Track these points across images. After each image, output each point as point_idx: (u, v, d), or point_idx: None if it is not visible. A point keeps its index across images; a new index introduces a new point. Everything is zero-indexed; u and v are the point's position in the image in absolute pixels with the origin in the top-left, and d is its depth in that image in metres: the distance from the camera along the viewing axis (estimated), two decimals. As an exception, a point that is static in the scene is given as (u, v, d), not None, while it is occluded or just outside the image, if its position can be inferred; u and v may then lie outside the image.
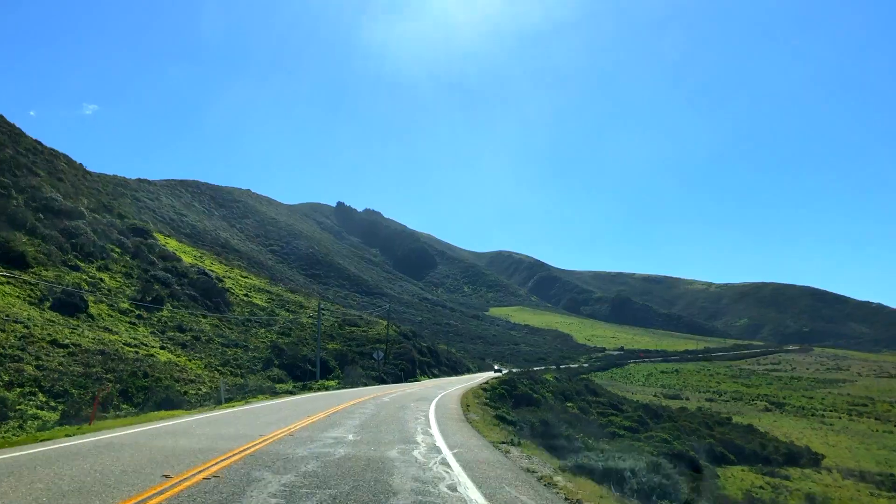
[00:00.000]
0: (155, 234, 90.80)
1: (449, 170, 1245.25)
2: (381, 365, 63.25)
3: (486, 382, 57.48)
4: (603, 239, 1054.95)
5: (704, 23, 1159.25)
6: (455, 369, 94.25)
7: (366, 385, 54.16)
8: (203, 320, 58.81)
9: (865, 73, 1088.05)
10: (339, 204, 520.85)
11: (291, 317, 78.78)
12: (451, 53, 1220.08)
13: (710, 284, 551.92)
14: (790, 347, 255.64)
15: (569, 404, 53.59)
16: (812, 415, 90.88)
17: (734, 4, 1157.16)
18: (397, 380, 63.68)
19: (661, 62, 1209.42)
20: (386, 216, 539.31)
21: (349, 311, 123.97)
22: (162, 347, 47.39)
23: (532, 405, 41.57)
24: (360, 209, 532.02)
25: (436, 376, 76.70)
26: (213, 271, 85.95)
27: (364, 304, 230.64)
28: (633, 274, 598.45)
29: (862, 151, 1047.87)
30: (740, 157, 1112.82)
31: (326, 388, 47.76)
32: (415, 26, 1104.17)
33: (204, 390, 36.91)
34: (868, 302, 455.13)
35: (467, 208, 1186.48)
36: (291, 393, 40.75)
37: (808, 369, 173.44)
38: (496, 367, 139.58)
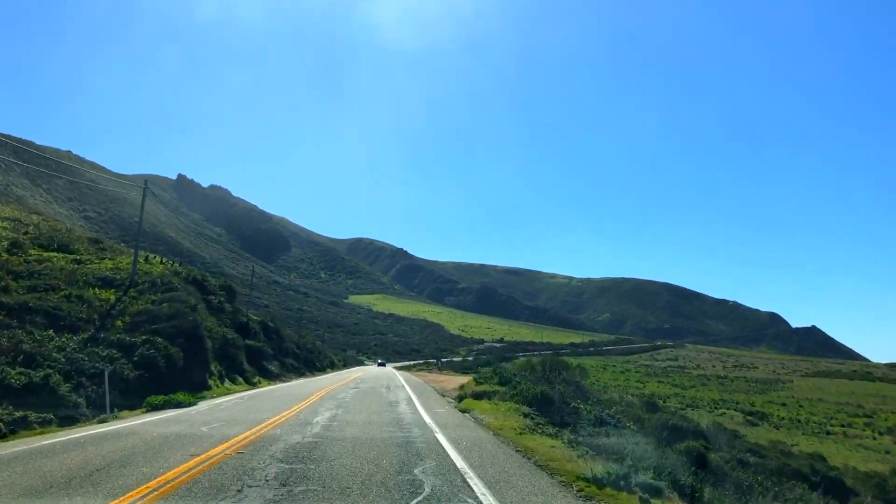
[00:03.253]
0: None
1: (307, 151, 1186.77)
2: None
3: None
4: (464, 230, 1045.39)
5: (576, 16, 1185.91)
6: (310, 364, 59.93)
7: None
8: None
9: (721, 76, 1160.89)
10: (180, 177, 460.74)
11: None
12: (308, 18, 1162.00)
13: (571, 279, 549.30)
14: (668, 343, 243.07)
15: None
16: (826, 432, 65.99)
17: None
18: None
19: (530, 54, 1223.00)
20: (235, 194, 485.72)
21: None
22: None
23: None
24: (205, 185, 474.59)
25: (272, 377, 42.06)
26: None
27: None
28: (496, 266, 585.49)
29: (718, 152, 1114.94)
30: (598, 154, 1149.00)
31: None
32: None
33: None
34: (724, 300, 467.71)
35: (326, 192, 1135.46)
36: None
37: (713, 366, 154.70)
38: (379, 362, 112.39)
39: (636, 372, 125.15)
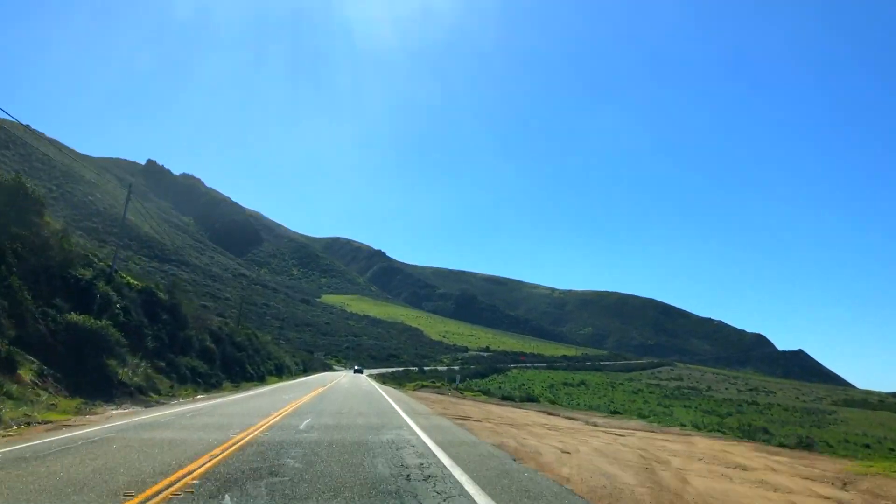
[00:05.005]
0: None
1: (287, 147, 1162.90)
2: None
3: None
4: (444, 236, 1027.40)
5: (560, 22, 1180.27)
6: (236, 370, 38.39)
7: None
8: None
9: (713, 88, 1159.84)
10: (150, 162, 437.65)
11: None
12: (291, 13, 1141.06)
13: (553, 290, 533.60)
14: (665, 361, 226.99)
15: None
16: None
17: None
18: None
19: (516, 57, 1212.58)
20: (208, 184, 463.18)
21: None
22: None
23: None
24: (176, 172, 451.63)
25: (115, 395, 22.00)
26: None
27: (151, 269, 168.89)
28: (476, 273, 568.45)
29: (708, 169, 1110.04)
30: (583, 166, 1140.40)
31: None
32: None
33: None
34: (710, 319, 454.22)
35: (305, 190, 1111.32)
36: None
37: (726, 389, 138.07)
38: (356, 368, 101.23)
39: (650, 392, 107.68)
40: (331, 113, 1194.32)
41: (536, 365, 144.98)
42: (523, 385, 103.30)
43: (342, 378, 67.09)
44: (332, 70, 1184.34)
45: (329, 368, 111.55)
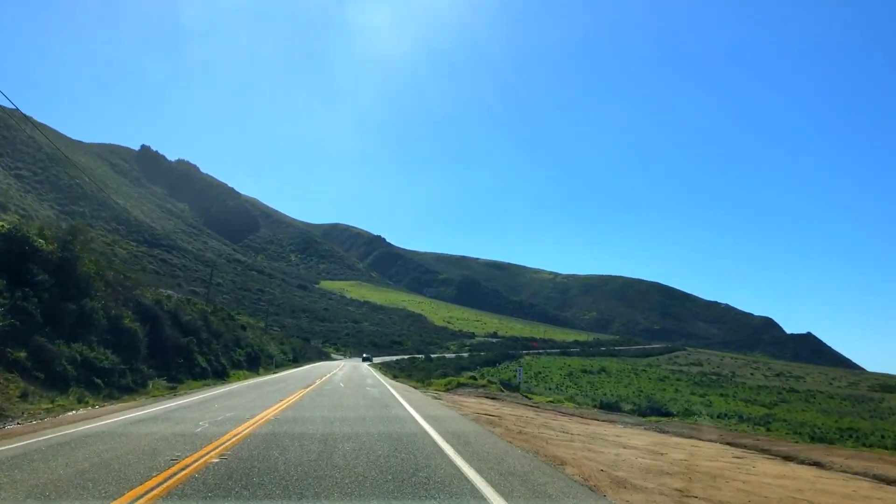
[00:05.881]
0: None
1: (286, 134, 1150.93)
2: None
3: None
4: (444, 222, 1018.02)
5: (568, 9, 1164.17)
6: (177, 363, 27.22)
7: None
8: None
9: (720, 69, 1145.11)
10: (144, 148, 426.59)
11: None
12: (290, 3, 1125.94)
13: (555, 274, 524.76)
14: (671, 345, 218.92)
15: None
16: None
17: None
18: None
19: (519, 46, 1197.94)
20: (204, 171, 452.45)
21: None
22: None
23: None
24: (171, 158, 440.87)
25: None
26: None
27: (139, 254, 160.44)
28: (477, 259, 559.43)
29: (713, 149, 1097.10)
30: (585, 148, 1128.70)
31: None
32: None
33: None
34: (716, 302, 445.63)
35: (303, 176, 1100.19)
36: None
37: (752, 374, 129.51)
38: (365, 356, 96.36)
39: (676, 380, 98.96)
40: (329, 99, 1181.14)
41: (549, 351, 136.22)
42: (539, 373, 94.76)
43: (339, 370, 55.58)
44: (331, 54, 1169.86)
45: (326, 357, 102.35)
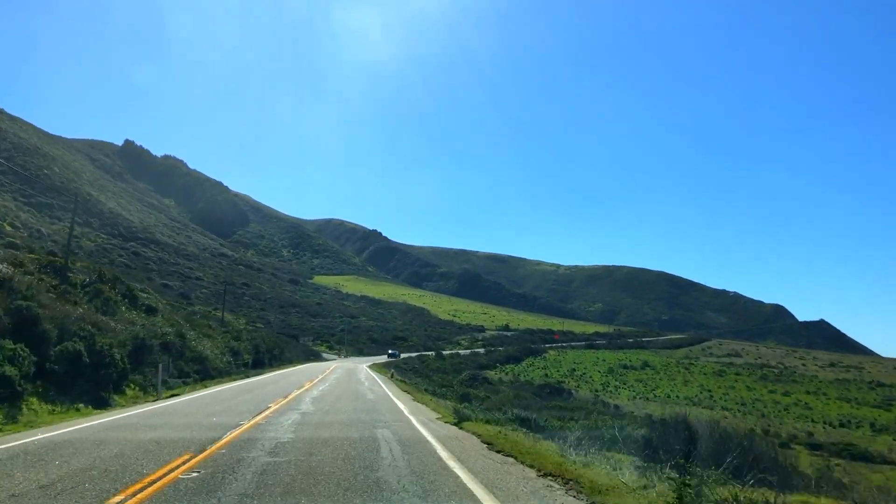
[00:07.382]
0: None
1: (277, 129, 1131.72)
2: None
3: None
4: (441, 216, 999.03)
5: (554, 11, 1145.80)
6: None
7: None
8: None
9: (723, 58, 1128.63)
10: (128, 143, 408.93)
11: None
12: None
13: (558, 266, 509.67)
14: (699, 335, 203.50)
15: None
16: None
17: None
18: None
19: (513, 34, 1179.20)
20: (191, 166, 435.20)
21: None
22: None
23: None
24: (157, 154, 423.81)
25: None
26: None
27: (108, 247, 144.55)
28: (477, 252, 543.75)
29: (716, 135, 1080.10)
30: (583, 134, 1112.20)
31: None
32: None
33: None
34: (725, 291, 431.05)
35: (295, 172, 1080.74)
36: None
37: (804, 366, 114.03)
38: (391, 352, 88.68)
39: (735, 375, 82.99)
40: (320, 92, 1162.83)
41: (573, 344, 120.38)
42: (574, 370, 78.73)
43: (321, 382, 34.02)
44: (321, 49, 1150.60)
45: (316, 357, 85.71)
